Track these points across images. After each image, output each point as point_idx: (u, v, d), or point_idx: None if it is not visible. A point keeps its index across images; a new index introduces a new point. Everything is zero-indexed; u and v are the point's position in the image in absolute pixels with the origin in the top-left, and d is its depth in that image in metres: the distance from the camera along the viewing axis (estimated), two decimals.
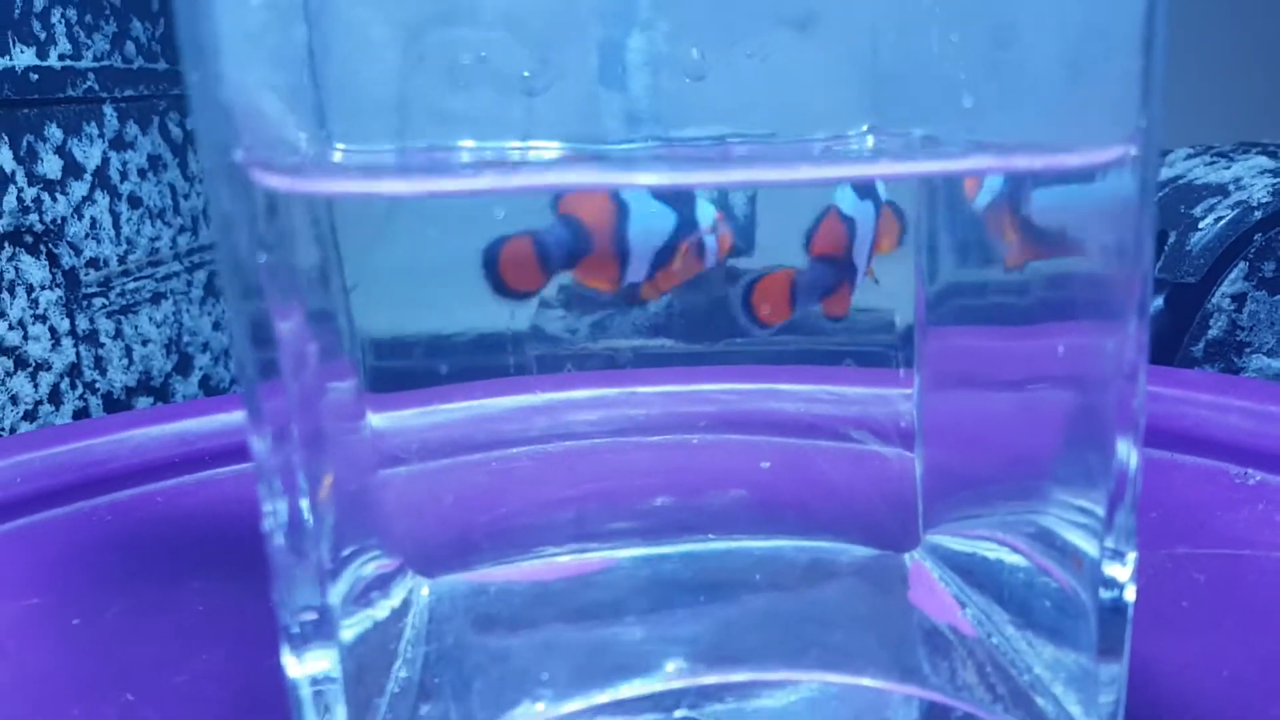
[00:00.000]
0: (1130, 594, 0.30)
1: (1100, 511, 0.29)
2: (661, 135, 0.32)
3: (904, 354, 0.37)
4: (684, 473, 0.38)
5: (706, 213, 0.34)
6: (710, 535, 0.38)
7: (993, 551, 0.35)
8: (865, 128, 0.33)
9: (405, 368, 0.35)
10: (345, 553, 0.31)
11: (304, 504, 0.28)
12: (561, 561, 0.37)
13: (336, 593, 0.30)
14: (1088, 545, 0.30)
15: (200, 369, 1.12)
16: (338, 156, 0.30)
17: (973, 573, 0.36)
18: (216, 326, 1.15)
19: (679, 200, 0.34)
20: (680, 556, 0.38)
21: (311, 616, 0.28)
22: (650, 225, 0.33)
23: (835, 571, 0.38)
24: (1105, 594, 0.30)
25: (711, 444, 0.38)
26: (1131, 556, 0.30)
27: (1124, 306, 0.28)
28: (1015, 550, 0.34)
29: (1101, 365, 0.29)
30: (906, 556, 0.39)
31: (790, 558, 0.38)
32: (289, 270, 0.28)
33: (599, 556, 0.38)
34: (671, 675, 0.34)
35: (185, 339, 1.10)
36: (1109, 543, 0.29)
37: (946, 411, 0.37)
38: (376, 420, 0.35)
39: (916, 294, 0.36)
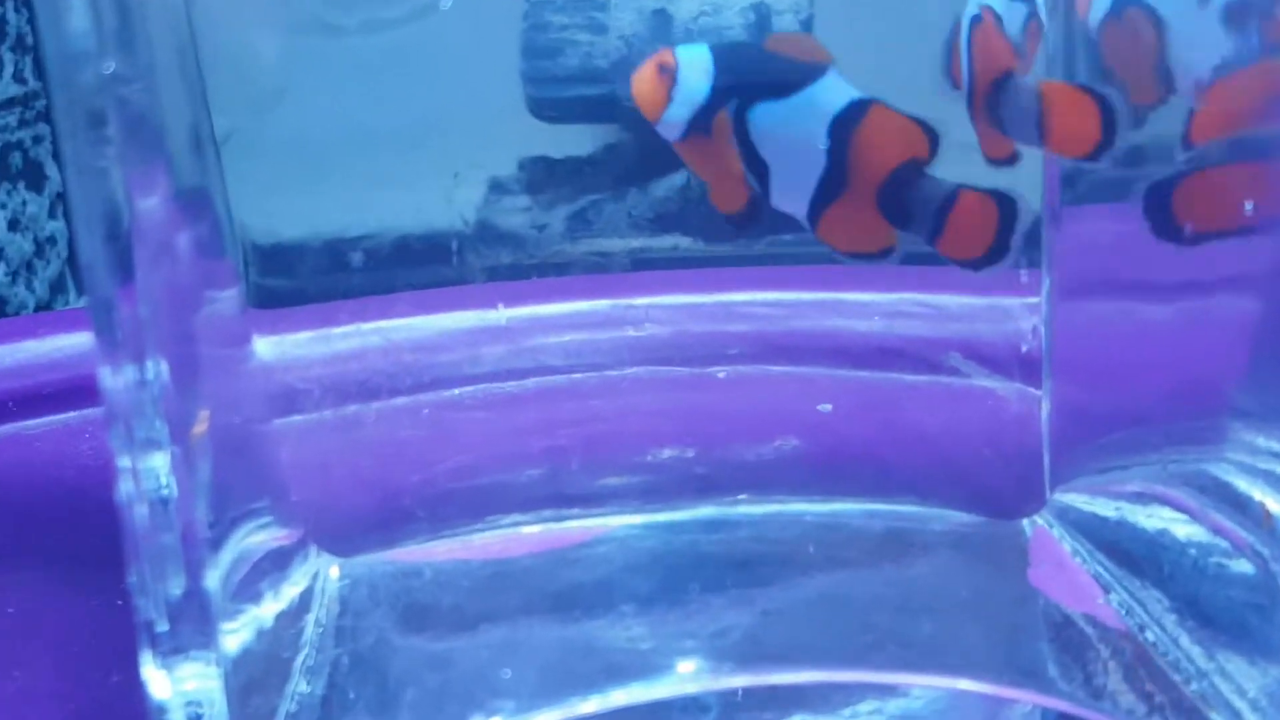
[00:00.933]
0: None
1: None
2: None
3: (1027, 251, 0.35)
4: (705, 416, 0.38)
5: None
6: (743, 496, 0.38)
7: (1148, 515, 0.35)
8: None
9: (306, 276, 0.34)
10: (228, 517, 0.31)
11: (170, 454, 0.27)
12: (528, 533, 0.38)
13: (216, 574, 0.29)
14: None
15: None
16: None
17: (1119, 544, 0.36)
18: (13, 225, 1.15)
19: None
20: (698, 524, 0.38)
21: (183, 607, 0.28)
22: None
23: (924, 544, 0.38)
24: None
25: (747, 378, 0.37)
26: None
27: None
28: (1180, 511, 0.34)
29: None
30: (1026, 523, 0.38)
31: (859, 526, 0.38)
32: (149, 122, 0.27)
33: (582, 525, 0.38)
34: (686, 678, 0.34)
35: None
36: None
37: (1086, 326, 0.36)
38: (266, 347, 0.35)
39: (1045, 165, 0.35)
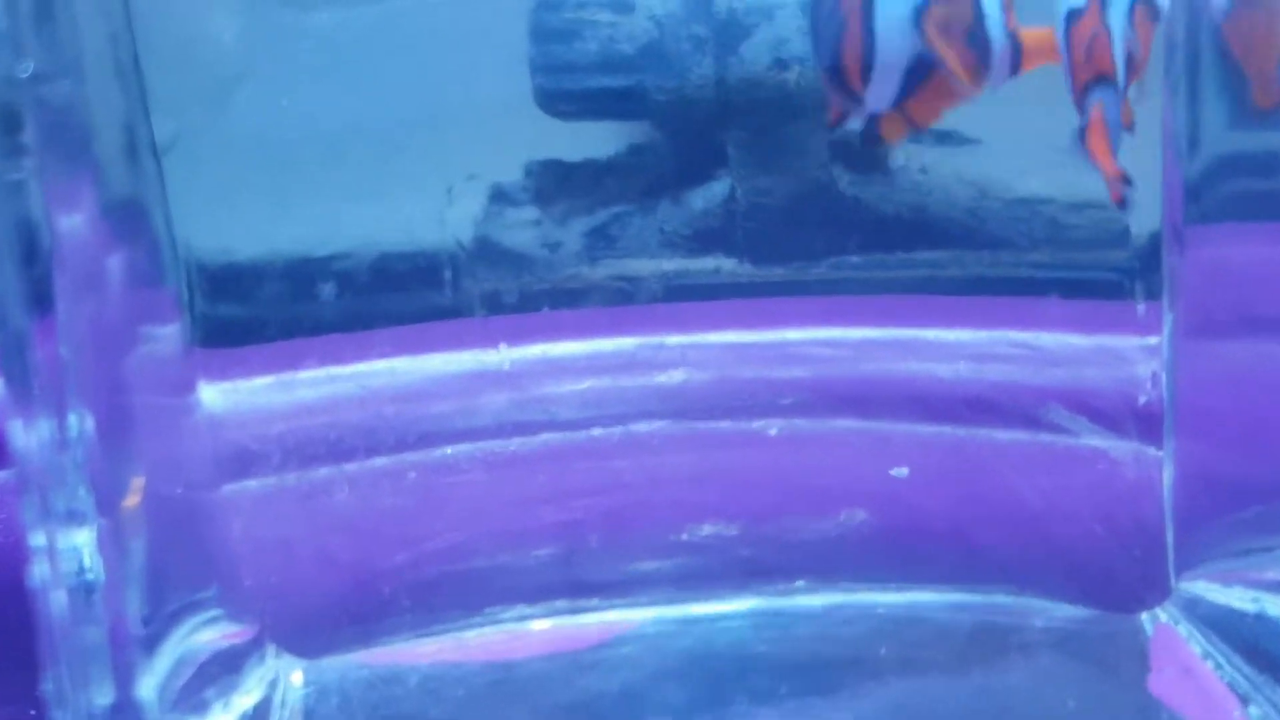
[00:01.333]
0: None
1: None
2: None
3: (1144, 280, 0.35)
4: (753, 483, 0.37)
5: None
6: (800, 582, 0.38)
7: None
8: None
9: (263, 307, 0.34)
10: (166, 610, 0.31)
11: (96, 530, 0.27)
12: (537, 629, 0.37)
13: (151, 681, 0.29)
14: None
15: None
16: None
17: (1260, 644, 0.35)
18: None
19: None
20: (747, 618, 0.38)
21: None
22: None
23: (1021, 643, 0.37)
24: None
25: (805, 434, 0.37)
26: None
27: None
28: None
29: None
30: (1146, 618, 0.38)
31: (942, 621, 0.38)
32: (74, 126, 0.27)
33: (602, 620, 0.38)
34: None
35: None
36: None
37: (1218, 373, 0.36)
38: (215, 396, 0.34)
39: (1166, 174, 0.34)
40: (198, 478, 0.34)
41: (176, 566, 0.32)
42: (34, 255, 0.26)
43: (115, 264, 0.30)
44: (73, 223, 0.26)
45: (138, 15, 0.31)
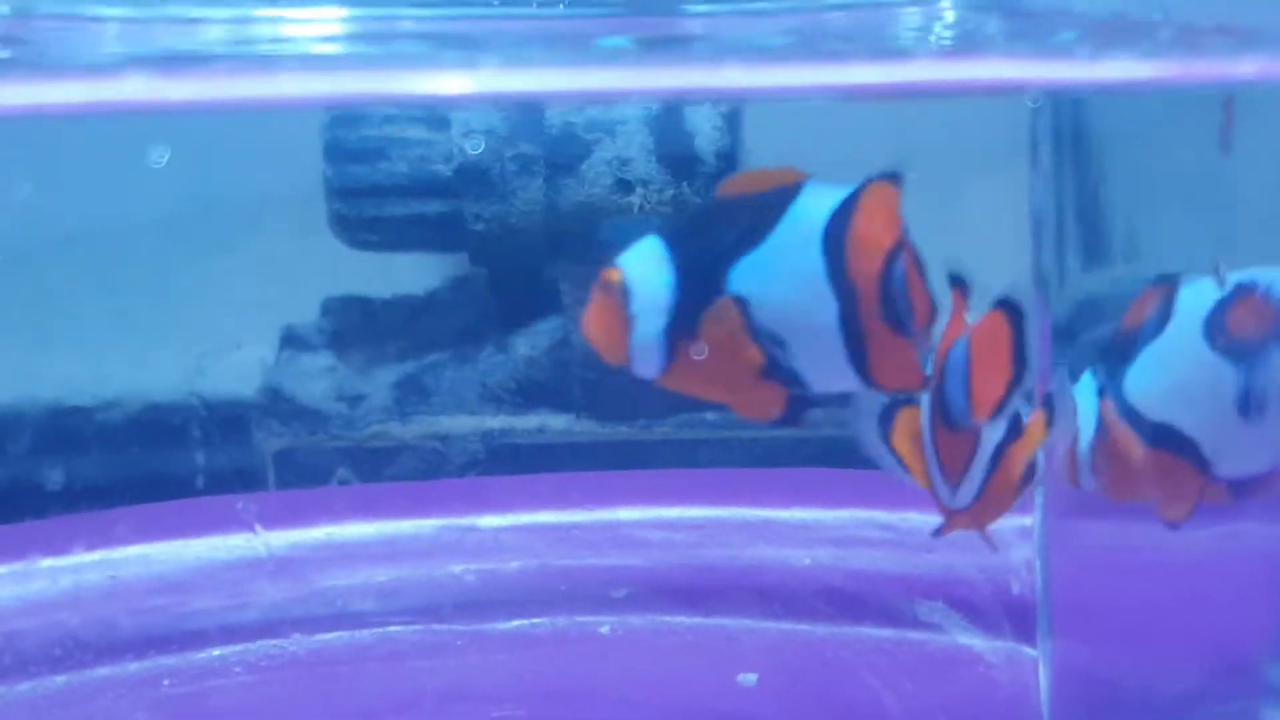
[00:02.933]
0: None
1: None
2: None
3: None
4: (574, 696, 0.33)
5: None
6: None
7: None
8: None
9: None
10: None
11: None
12: None
13: None
14: None
15: None
16: None
17: None
18: None
19: None
20: None
21: None
22: None
23: None
24: None
25: (639, 635, 0.33)
26: None
27: None
28: None
29: None
30: None
31: None
32: None
33: None
34: None
35: None
36: None
37: (1093, 558, 0.33)
38: None
39: (1036, 315, 0.32)
40: None
41: None
42: None
43: None
44: None
45: None
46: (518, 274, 0.30)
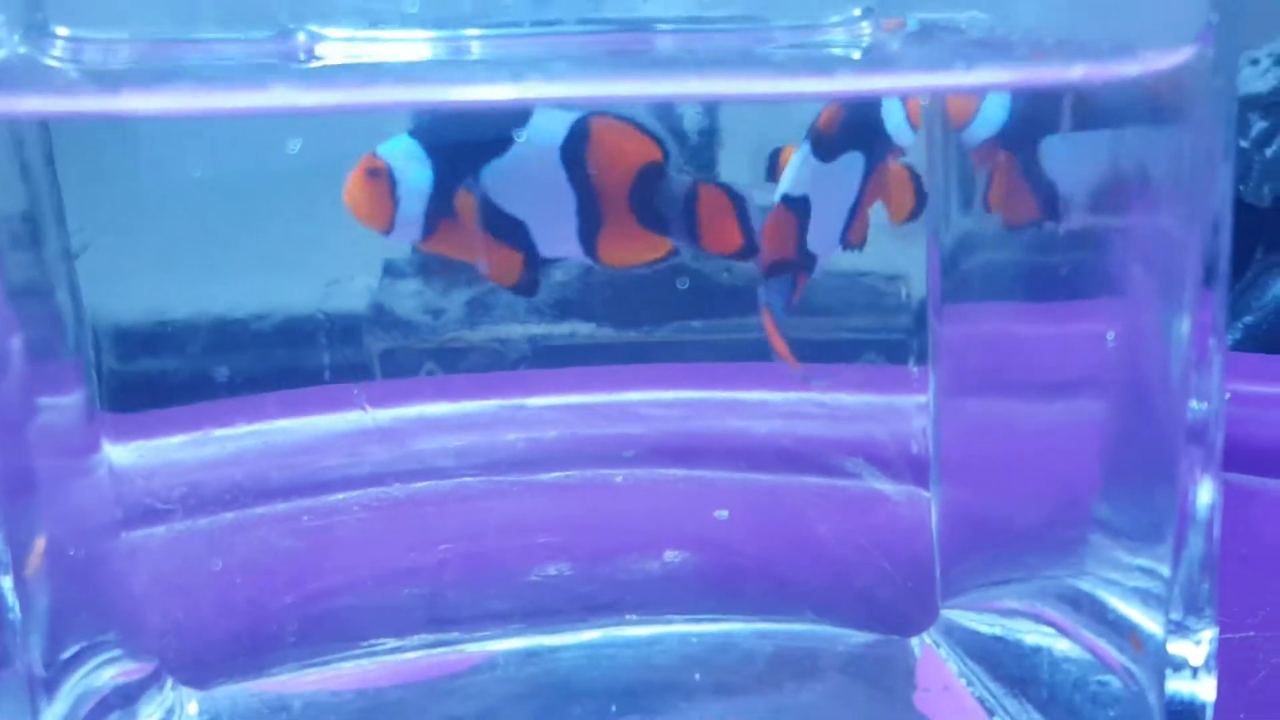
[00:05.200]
0: (1208, 688, 0.29)
1: (1164, 571, 0.28)
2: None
3: (918, 343, 0.37)
4: (597, 527, 0.38)
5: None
6: (630, 616, 0.38)
7: (1029, 632, 0.35)
8: (858, 12, 0.31)
9: (162, 373, 0.34)
10: (68, 653, 0.30)
11: (3, 583, 0.27)
12: (407, 660, 0.37)
13: (54, 715, 0.29)
14: (1148, 619, 0.29)
15: None
16: (56, 55, 0.28)
17: (1003, 663, 0.36)
18: None
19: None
20: (584, 649, 0.37)
21: None
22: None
23: (814, 667, 0.38)
24: (1173, 687, 0.29)
25: (643, 483, 0.37)
26: (1208, 635, 0.28)
27: (1187, 274, 0.26)
28: (1058, 629, 0.33)
29: (1162, 356, 0.28)
30: (915, 641, 0.38)
31: (748, 648, 0.38)
32: None
33: (462, 651, 0.37)
34: None
35: None
36: (1175, 614, 0.28)
37: (971, 426, 0.37)
38: (118, 454, 0.33)
39: (929, 253, 0.36)
40: (101, 530, 0.33)
41: (79, 610, 0.31)
42: None
43: (16, 345, 0.29)
44: None
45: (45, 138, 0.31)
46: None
